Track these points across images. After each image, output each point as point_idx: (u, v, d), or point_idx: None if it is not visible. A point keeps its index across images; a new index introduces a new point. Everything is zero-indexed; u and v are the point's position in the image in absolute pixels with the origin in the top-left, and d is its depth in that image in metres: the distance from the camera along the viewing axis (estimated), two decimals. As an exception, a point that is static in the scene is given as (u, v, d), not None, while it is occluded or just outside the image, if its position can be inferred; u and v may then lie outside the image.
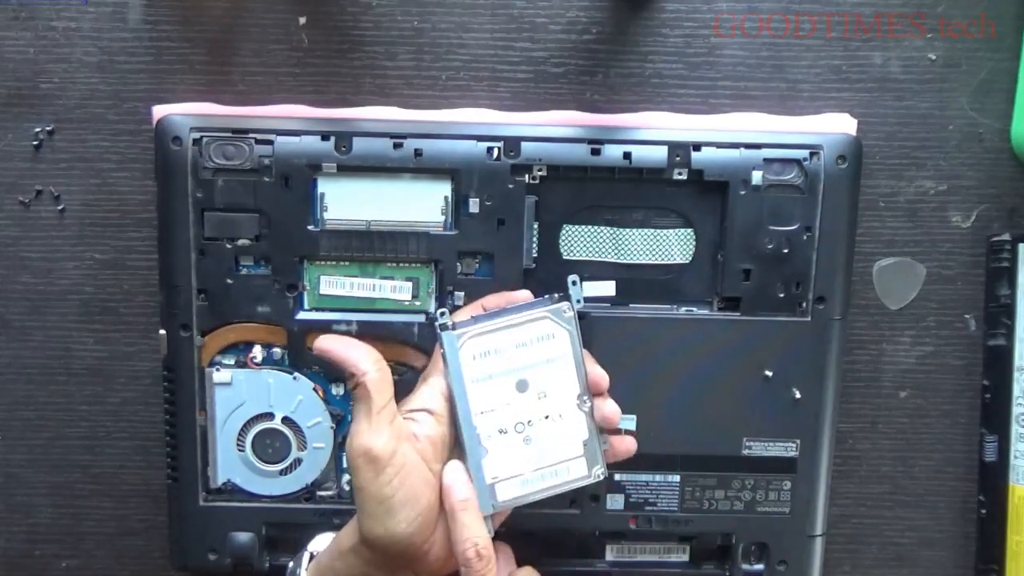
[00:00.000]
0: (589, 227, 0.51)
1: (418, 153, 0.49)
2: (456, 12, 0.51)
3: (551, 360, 0.45)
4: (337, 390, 0.51)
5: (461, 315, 0.47)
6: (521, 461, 0.45)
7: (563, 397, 0.46)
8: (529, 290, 0.49)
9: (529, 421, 0.45)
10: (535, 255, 0.51)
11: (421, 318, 0.50)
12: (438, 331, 0.45)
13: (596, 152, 0.49)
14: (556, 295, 0.46)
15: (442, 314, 0.45)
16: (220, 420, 0.51)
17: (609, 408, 0.46)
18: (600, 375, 0.46)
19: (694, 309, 0.51)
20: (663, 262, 0.51)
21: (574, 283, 0.46)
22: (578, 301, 0.46)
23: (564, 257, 0.51)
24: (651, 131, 0.50)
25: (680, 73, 0.52)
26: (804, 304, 0.50)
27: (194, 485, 0.51)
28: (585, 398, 0.46)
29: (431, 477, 0.43)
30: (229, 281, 0.50)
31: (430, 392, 0.45)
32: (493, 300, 0.48)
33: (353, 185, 0.50)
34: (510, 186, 0.49)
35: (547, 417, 0.45)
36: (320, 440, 0.51)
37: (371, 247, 0.50)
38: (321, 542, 0.48)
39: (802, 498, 0.52)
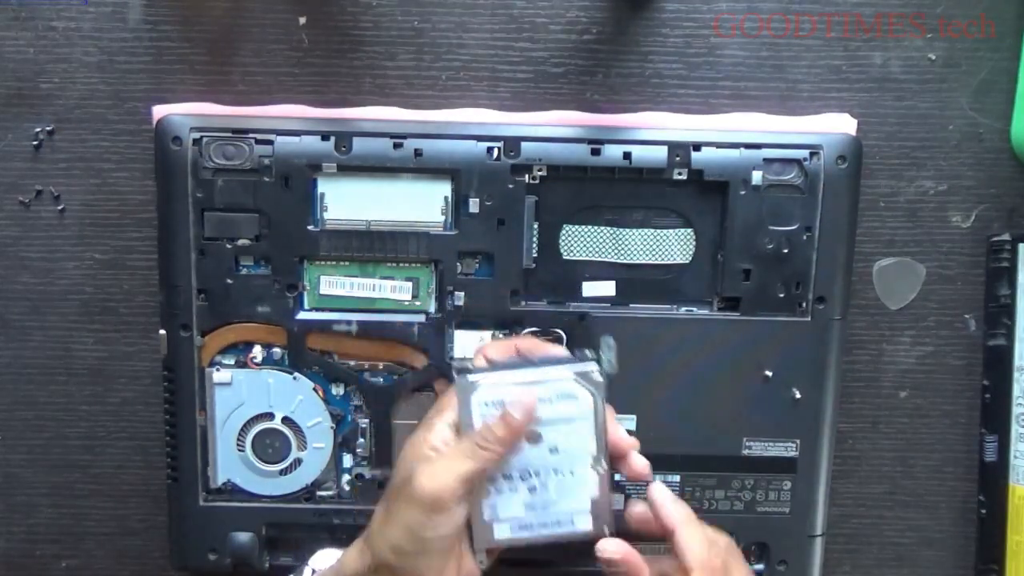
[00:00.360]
0: (589, 227, 0.51)
1: (418, 153, 0.49)
2: (456, 12, 0.51)
3: (569, 420, 0.43)
4: (337, 390, 0.51)
5: (492, 351, 0.45)
6: (523, 507, 0.44)
7: (577, 456, 0.44)
8: (560, 336, 0.49)
9: (537, 472, 0.44)
10: (535, 255, 0.51)
11: (421, 318, 0.50)
12: (453, 374, 0.44)
13: (596, 152, 0.49)
14: (588, 353, 0.44)
15: (460, 360, 0.44)
16: (220, 420, 0.51)
17: (639, 465, 0.44)
18: (627, 442, 0.44)
19: (694, 309, 0.51)
20: (663, 262, 0.51)
21: (609, 346, 0.43)
22: (609, 362, 0.43)
23: (564, 257, 0.51)
24: (651, 131, 0.50)
25: (680, 73, 0.52)
26: (804, 304, 0.50)
27: (194, 485, 0.51)
28: (602, 460, 0.43)
29: (461, 520, 0.43)
30: (229, 281, 0.50)
31: (449, 430, 0.44)
32: (527, 343, 0.46)
33: (353, 185, 0.50)
34: (510, 186, 0.49)
35: (556, 471, 0.44)
36: (320, 440, 0.51)
37: (371, 247, 0.50)
38: (322, 558, 0.48)
39: (802, 498, 0.52)
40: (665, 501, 0.44)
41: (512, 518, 0.44)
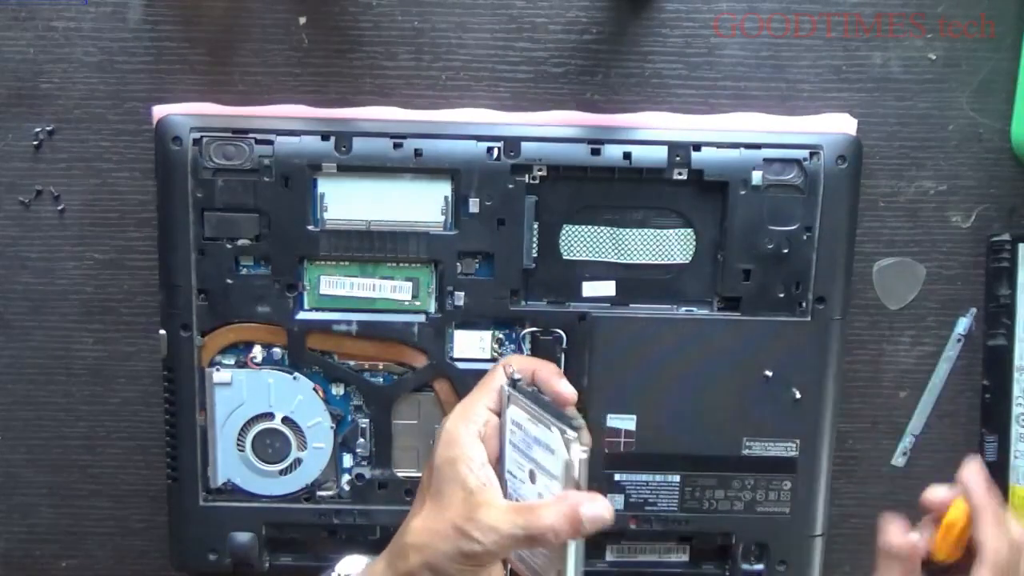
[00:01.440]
0: (589, 227, 0.51)
1: (418, 153, 0.49)
2: (456, 12, 0.51)
3: (552, 474, 0.42)
4: (337, 390, 0.51)
5: (516, 363, 0.45)
6: None
7: None
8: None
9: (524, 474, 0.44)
10: (535, 255, 0.51)
11: (421, 318, 0.50)
12: (505, 380, 0.44)
13: (596, 152, 0.49)
14: (582, 422, 0.41)
15: (513, 370, 0.44)
16: (220, 420, 0.51)
17: (566, 391, 0.44)
18: (566, 394, 0.44)
19: (694, 309, 0.51)
20: (663, 262, 0.51)
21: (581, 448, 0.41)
22: (584, 450, 0.40)
23: (564, 257, 0.51)
24: (651, 131, 0.50)
25: (680, 73, 0.52)
26: (804, 304, 0.50)
27: (194, 485, 0.51)
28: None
29: None
30: (229, 281, 0.50)
31: (487, 414, 0.45)
32: (547, 370, 0.46)
33: (353, 185, 0.50)
34: (510, 186, 0.49)
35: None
36: (320, 440, 0.51)
37: (371, 247, 0.50)
38: (349, 564, 0.48)
39: (802, 498, 0.52)
40: (978, 486, 0.43)
41: None
